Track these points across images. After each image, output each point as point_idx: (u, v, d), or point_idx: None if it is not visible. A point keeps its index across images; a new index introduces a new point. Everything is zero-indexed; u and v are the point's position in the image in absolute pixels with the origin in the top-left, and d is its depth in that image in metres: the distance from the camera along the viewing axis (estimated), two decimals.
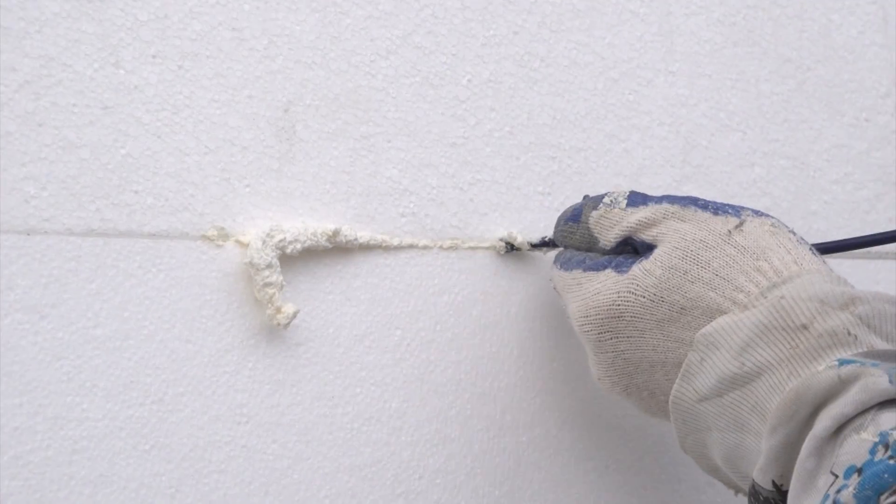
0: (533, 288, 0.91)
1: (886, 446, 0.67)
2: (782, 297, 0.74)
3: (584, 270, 0.83)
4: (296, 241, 0.81)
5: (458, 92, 0.89)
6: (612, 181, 0.95)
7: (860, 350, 0.72)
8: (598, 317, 0.81)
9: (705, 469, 0.80)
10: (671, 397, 0.78)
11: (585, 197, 0.86)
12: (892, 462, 0.66)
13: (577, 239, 0.85)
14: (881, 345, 0.73)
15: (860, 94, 1.04)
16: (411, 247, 0.87)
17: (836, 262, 0.89)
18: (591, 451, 0.91)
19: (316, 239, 0.82)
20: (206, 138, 0.80)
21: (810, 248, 0.79)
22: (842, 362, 0.71)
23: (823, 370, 0.71)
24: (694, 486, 0.94)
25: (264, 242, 0.80)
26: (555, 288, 0.86)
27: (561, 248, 0.87)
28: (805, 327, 0.74)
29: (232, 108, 0.81)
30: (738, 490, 0.80)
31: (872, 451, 0.67)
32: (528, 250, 0.91)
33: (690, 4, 0.99)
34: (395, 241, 0.86)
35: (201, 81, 0.80)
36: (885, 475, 0.65)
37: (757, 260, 0.77)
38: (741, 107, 1.00)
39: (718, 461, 0.78)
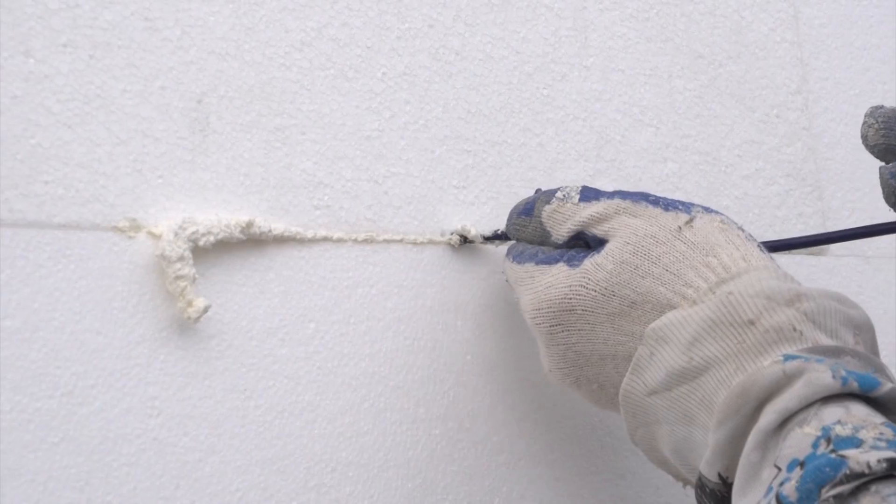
0: (448, 281, 0.91)
1: (829, 440, 0.68)
2: (730, 293, 0.76)
3: (537, 264, 0.84)
4: (209, 233, 0.80)
5: (372, 85, 0.89)
6: (527, 175, 0.95)
7: (805, 346, 0.74)
8: (549, 310, 0.82)
9: (654, 461, 0.82)
10: (621, 390, 0.79)
11: (538, 191, 0.87)
12: (833, 456, 0.67)
13: (529, 232, 0.86)
14: (826, 341, 0.74)
15: (771, 91, 1.05)
16: (325, 239, 0.86)
17: (785, 259, 0.91)
18: (504, 444, 0.91)
19: (229, 231, 0.81)
20: (118, 129, 0.79)
21: (758, 245, 0.80)
22: (787, 358, 0.72)
23: (769, 365, 0.72)
24: (606, 478, 0.95)
25: (176, 234, 0.79)
26: (507, 280, 0.87)
27: (513, 242, 0.88)
28: (752, 323, 0.75)
29: (144, 99, 0.80)
30: (686, 482, 0.81)
31: (815, 445, 0.68)
32: (481, 243, 0.92)
33: (604, 0, 1.00)
34: (310, 234, 0.86)
35: (113, 71, 0.79)
36: (827, 469, 0.66)
37: (706, 256, 0.79)
38: (654, 102, 1.01)
39: (667, 454, 0.79)
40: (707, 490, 0.75)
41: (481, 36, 0.94)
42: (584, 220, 0.83)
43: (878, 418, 0.70)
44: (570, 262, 0.82)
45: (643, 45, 1.01)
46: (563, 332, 0.82)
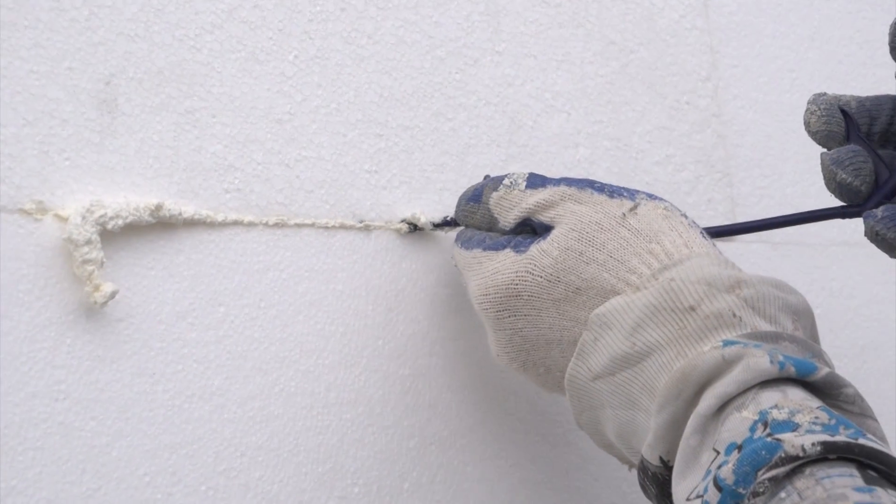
0: (359, 266, 0.91)
1: (765, 424, 0.70)
2: (672, 280, 0.77)
3: (484, 250, 0.85)
4: (117, 216, 0.80)
5: (284, 68, 0.89)
6: (440, 160, 0.95)
7: (744, 331, 0.75)
8: (496, 295, 0.83)
9: (600, 445, 0.83)
10: (566, 375, 0.80)
11: (486, 177, 0.88)
12: (769, 440, 0.68)
13: (477, 219, 0.87)
14: (764, 326, 0.76)
15: (681, 78, 1.06)
16: (236, 223, 0.86)
17: (727, 245, 0.91)
18: (414, 429, 0.91)
19: (138, 214, 0.81)
20: (24, 110, 0.78)
21: (701, 232, 0.82)
22: (726, 343, 0.74)
23: (708, 351, 0.74)
24: (514, 462, 0.95)
25: (84, 218, 0.78)
26: (456, 266, 0.88)
27: (462, 227, 0.89)
28: (693, 309, 0.76)
29: (51, 80, 0.79)
30: (631, 465, 0.82)
31: (752, 429, 0.70)
32: (431, 230, 0.93)
33: None
34: (220, 217, 0.85)
35: (19, 52, 0.78)
36: (763, 452, 0.68)
37: (649, 243, 0.80)
38: (566, 88, 1.01)
39: (612, 437, 0.81)
40: (649, 473, 0.76)
41: (393, 20, 0.94)
42: (531, 206, 0.84)
43: (814, 402, 0.71)
44: (517, 248, 0.83)
45: (555, 31, 1.01)
46: (509, 317, 0.83)
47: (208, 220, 0.85)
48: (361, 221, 0.91)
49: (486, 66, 0.98)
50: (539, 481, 0.96)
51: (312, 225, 0.89)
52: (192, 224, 0.84)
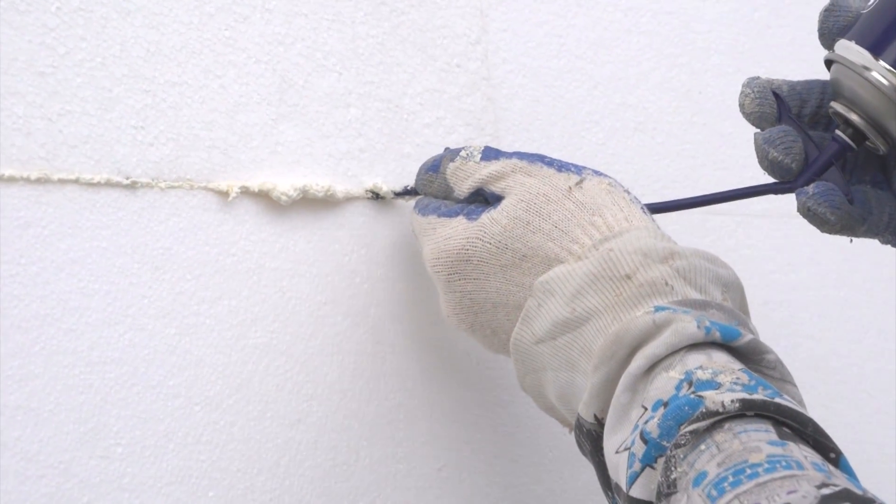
0: (124, 223, 0.89)
1: (690, 383, 0.75)
2: (611, 250, 0.82)
3: (439, 216, 0.91)
4: None
5: (46, 19, 0.87)
6: (209, 117, 0.94)
7: (675, 299, 0.81)
8: (448, 259, 0.89)
9: (542, 408, 0.89)
10: (511, 340, 0.86)
11: (446, 149, 0.94)
12: (693, 396, 0.74)
13: (435, 187, 0.94)
14: (694, 295, 0.81)
15: (451, 41, 1.07)
16: None
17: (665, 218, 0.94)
18: (180, 388, 0.91)
19: None
20: None
21: (641, 207, 0.87)
22: (657, 309, 0.79)
23: (641, 315, 0.80)
24: (283, 422, 0.95)
25: None
26: (413, 231, 0.94)
27: (421, 196, 0.95)
28: (629, 277, 0.82)
29: None
30: (570, 427, 0.86)
31: (678, 388, 0.76)
32: (392, 198, 1.00)
33: None
34: None
35: None
36: (686, 407, 0.74)
37: (592, 215, 0.85)
38: (337, 47, 1.01)
39: (553, 399, 0.86)
40: (584, 430, 0.81)
41: None
42: (484, 177, 0.90)
43: (736, 365, 0.77)
44: (469, 216, 0.89)
45: None
46: (459, 280, 0.89)
47: None
48: (128, 178, 0.90)
49: (257, 24, 0.97)
50: (307, 441, 0.96)
51: (76, 181, 0.87)
52: None
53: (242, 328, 0.94)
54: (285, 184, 0.96)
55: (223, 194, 0.94)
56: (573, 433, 0.84)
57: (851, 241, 0.90)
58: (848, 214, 0.84)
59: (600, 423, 0.81)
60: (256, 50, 0.97)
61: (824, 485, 0.68)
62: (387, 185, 0.99)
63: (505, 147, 1.07)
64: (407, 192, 1.00)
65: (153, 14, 0.92)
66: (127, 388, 0.88)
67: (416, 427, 1.00)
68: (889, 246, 0.89)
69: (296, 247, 0.97)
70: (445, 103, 1.06)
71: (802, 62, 1.20)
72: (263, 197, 0.96)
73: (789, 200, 0.87)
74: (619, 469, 0.77)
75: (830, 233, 0.86)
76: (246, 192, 0.95)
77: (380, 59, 1.03)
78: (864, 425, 1.22)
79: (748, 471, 0.70)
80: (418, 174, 0.95)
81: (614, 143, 1.12)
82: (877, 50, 0.83)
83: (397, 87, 1.04)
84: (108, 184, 0.89)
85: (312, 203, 0.98)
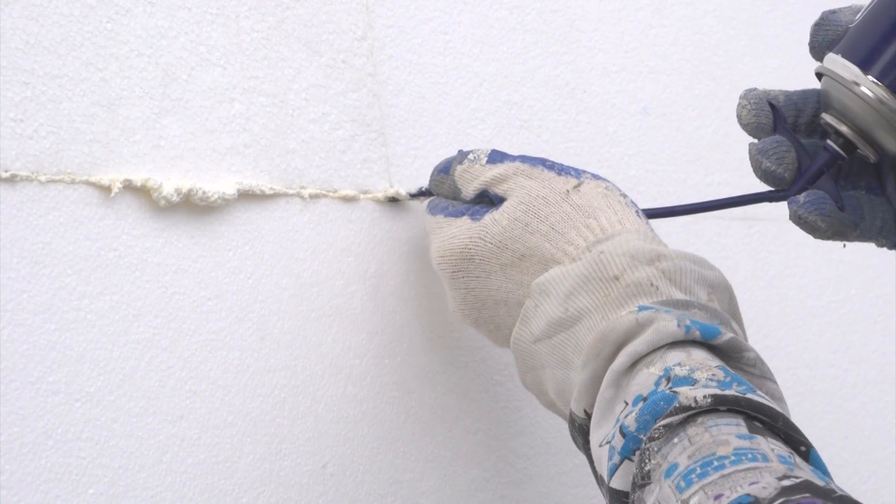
0: (2, 216, 0.88)
1: (668, 379, 0.79)
2: (602, 252, 0.87)
3: (446, 216, 0.96)
4: None
5: None
6: (90, 111, 0.93)
7: (659, 299, 0.85)
8: (452, 257, 0.94)
9: (544, 404, 0.92)
10: (511, 339, 0.90)
11: (459, 152, 0.98)
12: (668, 392, 0.78)
13: (445, 188, 0.99)
14: (678, 295, 0.85)
15: (337, 36, 1.07)
16: None
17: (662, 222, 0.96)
18: (59, 385, 0.90)
19: None
20: None
21: (636, 211, 0.91)
22: (641, 308, 0.84)
23: (625, 315, 0.84)
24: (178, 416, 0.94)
25: None
26: (424, 229, 0.99)
27: (434, 196, 1.00)
28: (617, 278, 0.86)
29: None
30: None
31: (657, 383, 0.80)
32: (409, 200, 1.04)
33: None
34: None
35: None
36: (662, 402, 0.78)
37: (588, 218, 0.89)
38: (221, 41, 1.01)
39: (553, 396, 0.90)
40: (576, 424, 0.86)
41: None
42: (488, 179, 0.94)
43: (714, 362, 0.81)
44: (473, 216, 0.94)
45: None
46: (462, 277, 0.94)
47: None
48: (7, 171, 0.89)
49: (139, 17, 0.96)
50: (189, 438, 0.95)
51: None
52: None
53: (124, 324, 0.93)
54: (168, 187, 0.95)
55: (105, 189, 0.93)
56: (568, 428, 0.87)
57: (844, 245, 0.94)
58: (839, 221, 0.88)
59: (590, 417, 0.84)
60: (139, 43, 0.96)
61: (786, 476, 0.71)
62: (404, 190, 1.04)
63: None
64: (421, 194, 1.04)
65: (32, 5, 0.91)
66: (5, 384, 0.87)
67: (300, 424, 0.99)
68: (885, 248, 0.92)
69: (179, 242, 0.96)
70: (331, 99, 1.06)
71: (685, 62, 1.21)
72: (146, 192, 0.95)
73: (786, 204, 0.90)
74: (601, 461, 0.80)
75: (822, 238, 0.89)
76: (129, 186, 0.94)
77: (264, 54, 1.03)
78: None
79: (715, 463, 0.73)
80: (431, 175, 1.00)
81: (500, 141, 1.13)
82: (864, 64, 0.87)
83: (282, 83, 1.04)
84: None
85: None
